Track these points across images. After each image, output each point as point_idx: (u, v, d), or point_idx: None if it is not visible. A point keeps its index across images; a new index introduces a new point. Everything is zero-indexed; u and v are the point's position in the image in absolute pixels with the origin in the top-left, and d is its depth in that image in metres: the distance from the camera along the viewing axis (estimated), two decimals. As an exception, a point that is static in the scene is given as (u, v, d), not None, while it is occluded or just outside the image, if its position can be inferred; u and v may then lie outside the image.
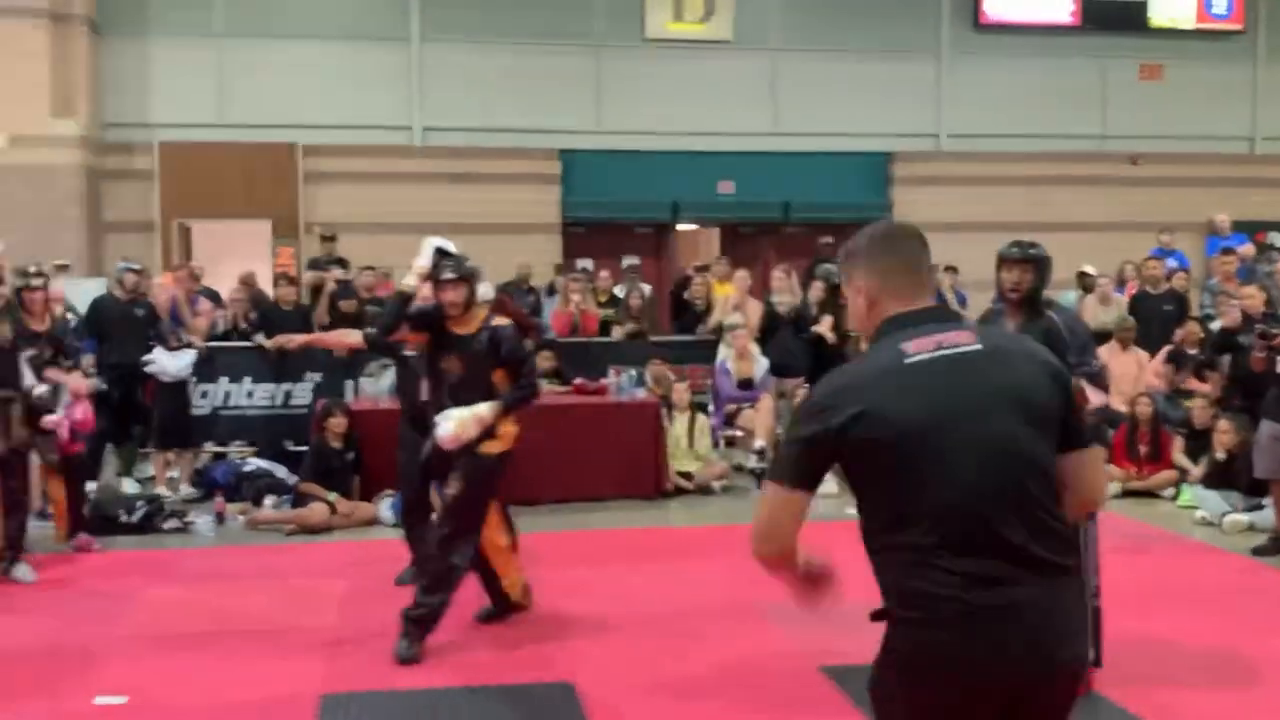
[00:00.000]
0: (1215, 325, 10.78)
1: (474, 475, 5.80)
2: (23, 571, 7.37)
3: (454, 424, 5.74)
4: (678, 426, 10.08)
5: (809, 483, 2.53)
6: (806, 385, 9.93)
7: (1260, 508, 8.43)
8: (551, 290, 13.21)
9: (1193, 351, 11.04)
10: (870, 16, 16.11)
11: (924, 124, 16.47)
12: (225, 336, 11.07)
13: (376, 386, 10.27)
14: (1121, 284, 13.10)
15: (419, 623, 5.71)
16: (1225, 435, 9.06)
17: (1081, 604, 2.61)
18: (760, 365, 10.92)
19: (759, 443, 10.29)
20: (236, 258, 13.17)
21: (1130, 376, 10.65)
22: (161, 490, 9.70)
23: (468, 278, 5.89)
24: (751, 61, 16.00)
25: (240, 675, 5.54)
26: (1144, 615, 6.01)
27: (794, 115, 16.03)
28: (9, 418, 7.33)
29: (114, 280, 10.66)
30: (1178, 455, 9.75)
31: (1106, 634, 5.18)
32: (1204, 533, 8.59)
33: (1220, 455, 9.05)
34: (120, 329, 10.07)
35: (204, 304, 11.09)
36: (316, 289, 11.83)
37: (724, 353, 11.07)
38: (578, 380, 10.45)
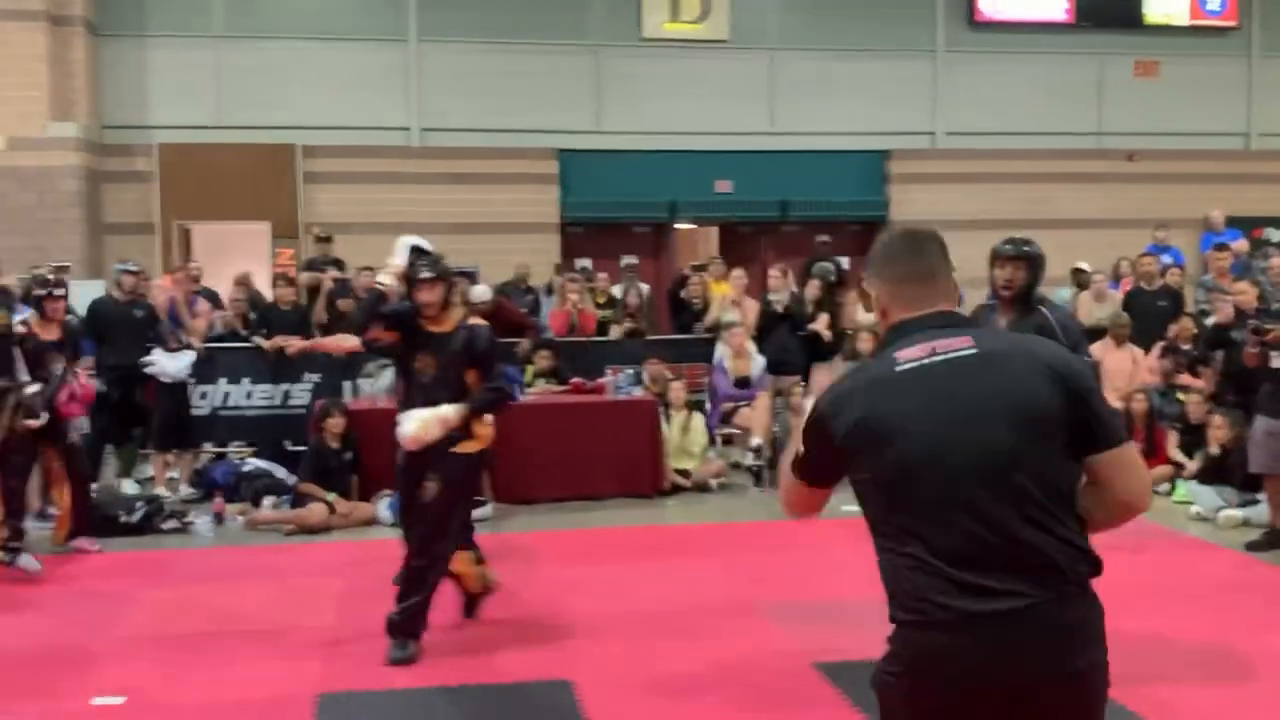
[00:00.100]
0: (1210, 321, 10.78)
1: (451, 475, 5.75)
2: (27, 560, 7.39)
3: (416, 424, 5.68)
4: (675, 425, 10.12)
5: (828, 482, 2.67)
6: (803, 383, 9.96)
7: (1255, 503, 8.47)
8: (550, 290, 13.22)
9: (1187, 347, 11.05)
10: (866, 16, 16.11)
11: (920, 122, 16.48)
12: (224, 338, 11.09)
13: (375, 386, 10.32)
14: (1117, 280, 13.09)
15: (402, 626, 5.70)
16: (1219, 431, 9.08)
17: (1092, 609, 2.56)
18: (757, 363, 10.93)
19: (756, 440, 10.31)
20: (236, 259, 13.17)
21: (1125, 373, 10.66)
22: (161, 491, 9.72)
23: (444, 276, 5.85)
24: (748, 61, 16.01)
25: (238, 675, 5.57)
26: (1139, 611, 6.00)
27: (790, 114, 16.05)
28: (3, 408, 7.34)
29: (113, 282, 10.68)
30: (1172, 451, 9.78)
31: (1101, 630, 5.21)
32: (1198, 528, 8.62)
33: (1214, 450, 9.07)
34: (119, 330, 10.09)
35: (202, 305, 11.12)
36: (314, 289, 11.85)
37: (721, 351, 11.08)
38: (575, 379, 10.50)
